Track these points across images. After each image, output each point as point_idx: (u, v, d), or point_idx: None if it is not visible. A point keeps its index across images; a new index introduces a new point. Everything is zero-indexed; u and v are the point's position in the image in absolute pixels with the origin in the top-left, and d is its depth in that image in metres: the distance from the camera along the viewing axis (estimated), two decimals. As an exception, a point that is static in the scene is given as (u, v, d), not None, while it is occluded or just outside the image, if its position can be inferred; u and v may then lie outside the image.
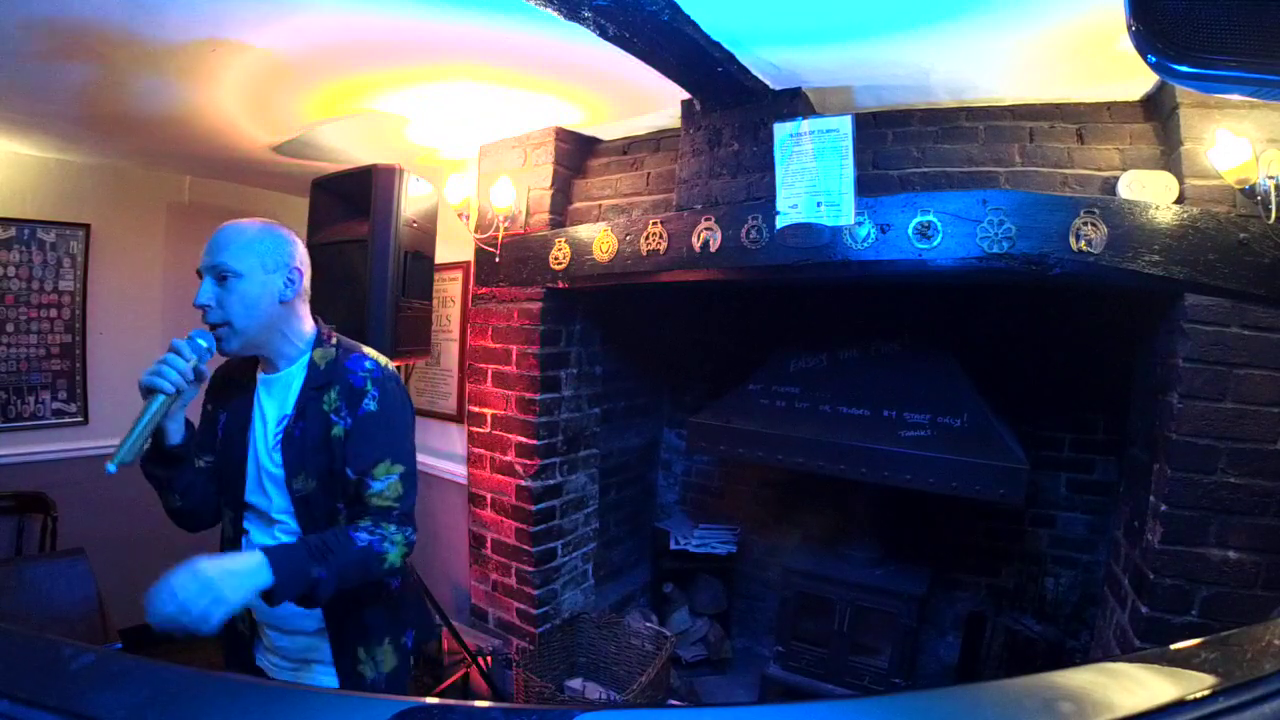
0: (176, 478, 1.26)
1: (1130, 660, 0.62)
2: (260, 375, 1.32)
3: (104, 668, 0.46)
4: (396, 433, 1.29)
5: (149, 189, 3.22)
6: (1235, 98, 1.57)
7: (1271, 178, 1.49)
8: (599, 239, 2.33)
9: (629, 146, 2.62)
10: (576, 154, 2.68)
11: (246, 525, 1.32)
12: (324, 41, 1.83)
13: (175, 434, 1.22)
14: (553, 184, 2.60)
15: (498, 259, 2.63)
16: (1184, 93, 1.66)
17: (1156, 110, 1.83)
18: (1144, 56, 0.53)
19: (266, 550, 1.10)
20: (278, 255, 1.25)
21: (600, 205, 2.61)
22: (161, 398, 1.11)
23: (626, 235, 2.28)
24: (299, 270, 1.28)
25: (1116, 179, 1.79)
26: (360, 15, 1.68)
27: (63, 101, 2.24)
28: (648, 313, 3.02)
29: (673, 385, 3.37)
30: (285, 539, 1.26)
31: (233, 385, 1.35)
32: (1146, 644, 1.65)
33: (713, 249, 2.10)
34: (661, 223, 2.21)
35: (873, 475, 2.23)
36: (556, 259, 2.45)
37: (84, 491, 2.99)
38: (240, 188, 3.53)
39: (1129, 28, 0.53)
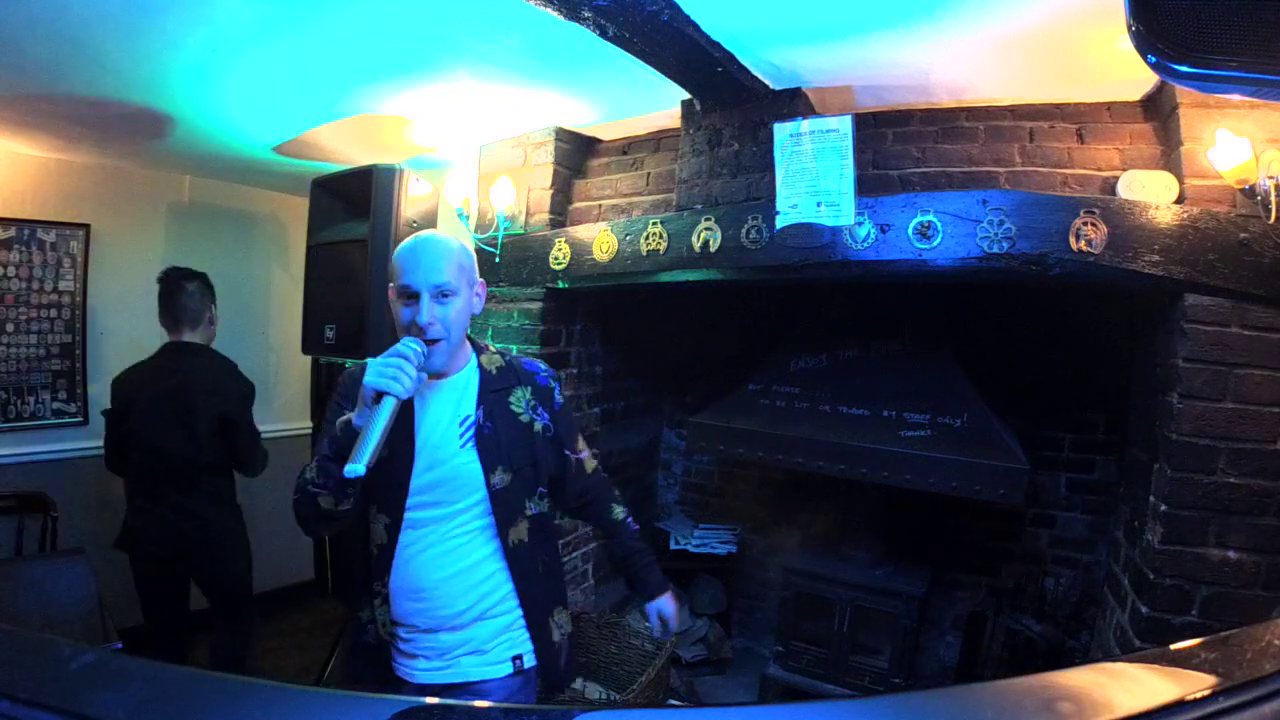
0: (345, 497, 1.23)
1: (1130, 660, 0.63)
2: (422, 378, 1.29)
3: (104, 668, 0.46)
4: (576, 418, 1.56)
5: (149, 189, 3.21)
6: (1235, 98, 1.57)
7: (1271, 178, 1.49)
8: (599, 239, 2.33)
9: (629, 146, 2.62)
10: (576, 154, 2.68)
11: (409, 525, 1.30)
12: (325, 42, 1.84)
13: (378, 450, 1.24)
14: (553, 184, 2.60)
15: (498, 259, 2.63)
16: (1184, 93, 1.66)
17: (1156, 110, 1.83)
18: (1144, 56, 0.53)
19: (651, 591, 1.52)
20: (474, 270, 1.37)
21: (600, 205, 2.61)
22: (394, 401, 1.10)
23: (626, 235, 2.28)
24: (483, 284, 1.40)
25: (1116, 179, 1.79)
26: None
27: (63, 101, 2.24)
28: (648, 313, 3.02)
29: (673, 385, 3.37)
30: (461, 533, 1.32)
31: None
32: (1146, 644, 1.65)
33: (713, 249, 2.10)
34: (661, 223, 2.21)
35: (873, 475, 2.23)
36: (556, 259, 2.45)
37: (84, 491, 2.99)
38: (240, 188, 3.52)
39: (1129, 28, 0.53)
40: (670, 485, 3.43)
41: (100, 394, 3.07)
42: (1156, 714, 0.41)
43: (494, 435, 1.32)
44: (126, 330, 3.17)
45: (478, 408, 1.33)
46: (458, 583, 1.31)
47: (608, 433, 2.97)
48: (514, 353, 1.50)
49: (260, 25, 1.74)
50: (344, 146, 2.79)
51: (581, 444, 1.52)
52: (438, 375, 1.33)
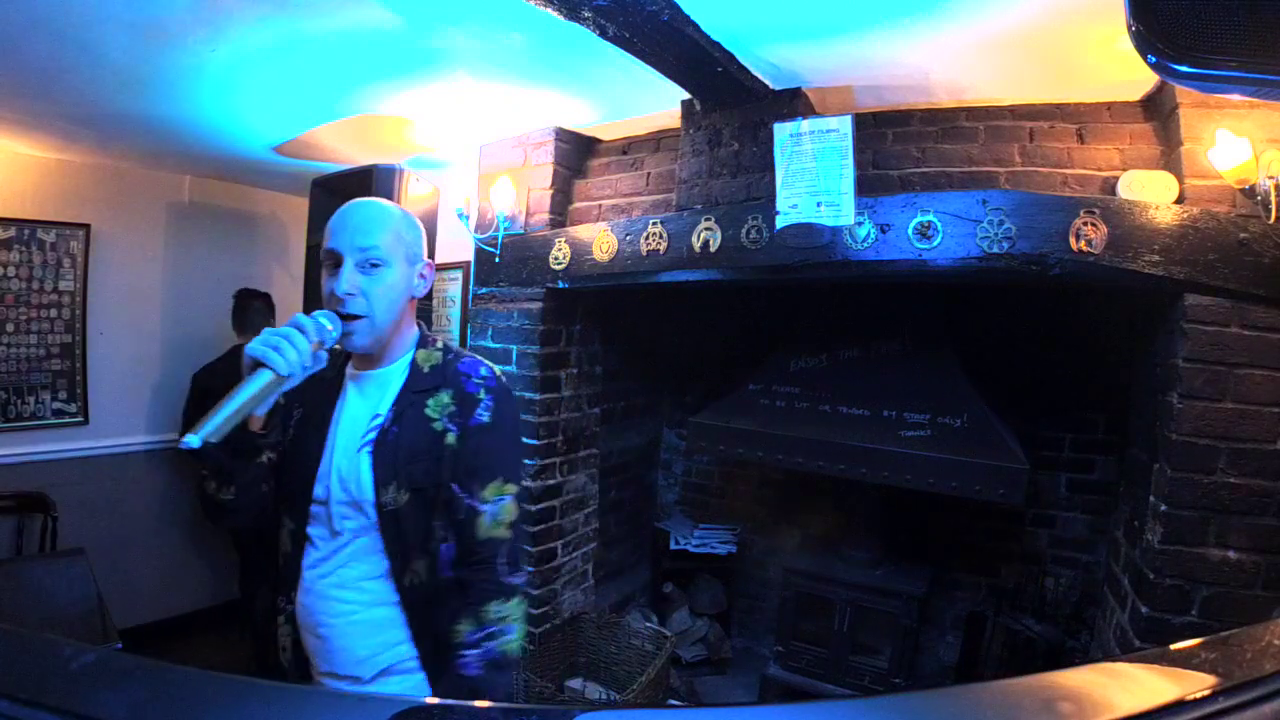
0: (242, 470, 1.06)
1: (1130, 660, 0.63)
2: (351, 370, 1.17)
3: (104, 668, 0.46)
4: (511, 449, 1.17)
5: (149, 189, 3.21)
6: (1235, 98, 1.57)
7: (1271, 178, 1.49)
8: (599, 239, 2.33)
9: (629, 146, 2.62)
10: (576, 154, 2.68)
11: (311, 544, 1.12)
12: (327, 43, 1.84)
13: (260, 424, 1.04)
14: (553, 184, 2.60)
15: (498, 259, 2.63)
16: (1184, 93, 1.66)
17: (1156, 110, 1.83)
18: (1144, 56, 0.53)
19: None
20: (418, 245, 1.15)
21: (600, 205, 2.61)
22: (269, 376, 0.94)
23: (626, 235, 2.28)
24: (431, 266, 1.19)
25: (1116, 179, 1.79)
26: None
27: (63, 101, 2.24)
28: (648, 313, 3.02)
29: (673, 385, 3.37)
30: (356, 558, 1.09)
31: (314, 379, 1.07)
32: (1146, 644, 1.65)
33: (713, 249, 2.10)
34: (661, 223, 2.21)
35: (873, 475, 2.23)
36: (556, 259, 2.45)
37: (84, 491, 2.99)
38: (240, 188, 3.53)
39: (1129, 28, 0.53)
40: (670, 485, 3.43)
41: (100, 394, 3.08)
42: (1156, 714, 0.41)
43: (395, 444, 1.08)
44: (126, 330, 3.17)
45: (391, 409, 1.11)
46: (353, 622, 1.08)
47: (608, 433, 2.97)
48: (476, 355, 1.23)
49: (260, 25, 1.74)
50: (344, 146, 2.79)
51: (492, 492, 1.11)
52: (366, 365, 1.15)
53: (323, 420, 1.14)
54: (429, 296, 2.55)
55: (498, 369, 1.21)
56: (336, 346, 1.08)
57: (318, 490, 1.10)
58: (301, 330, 0.98)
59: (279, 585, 1.16)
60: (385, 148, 2.76)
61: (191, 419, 2.52)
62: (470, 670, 1.04)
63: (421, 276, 1.16)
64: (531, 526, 2.61)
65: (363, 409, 1.14)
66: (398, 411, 1.11)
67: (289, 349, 0.95)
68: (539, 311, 2.56)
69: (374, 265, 1.07)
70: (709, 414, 2.65)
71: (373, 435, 1.10)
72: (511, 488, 1.14)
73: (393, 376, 1.15)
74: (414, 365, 1.15)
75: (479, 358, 1.21)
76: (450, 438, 1.11)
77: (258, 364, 0.94)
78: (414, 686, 1.09)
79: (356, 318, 1.06)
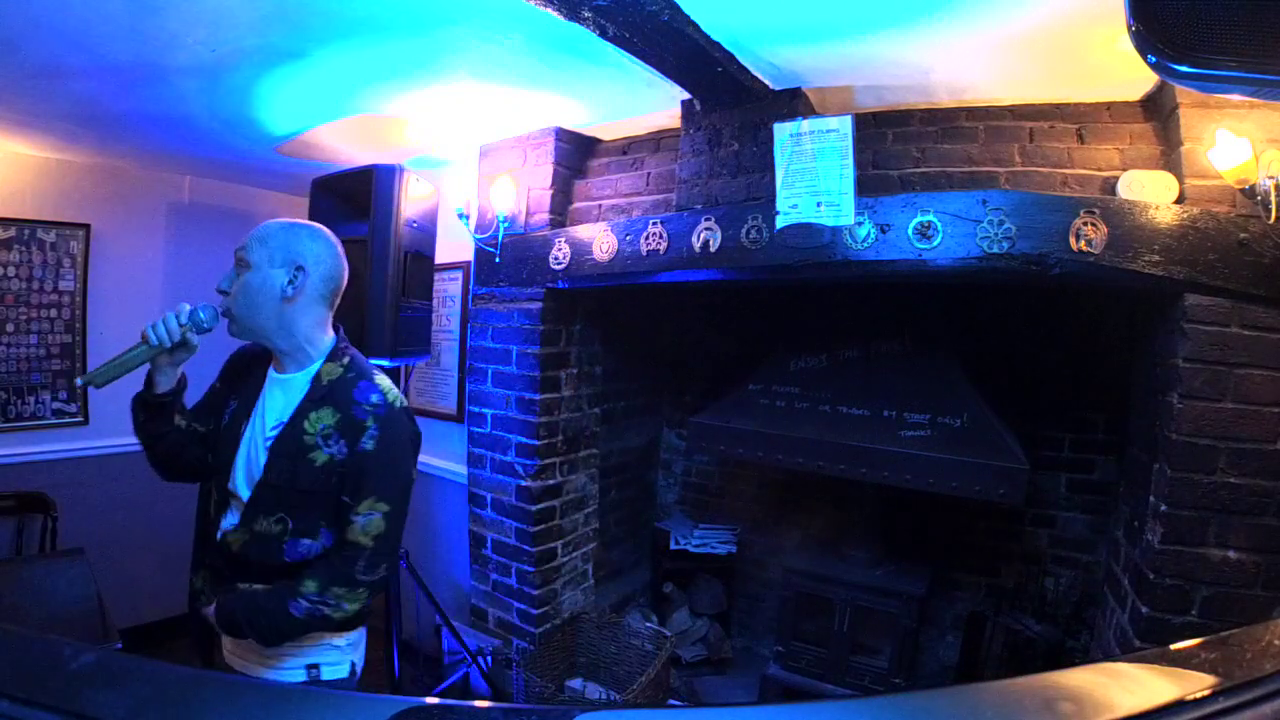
0: (149, 423, 1.35)
1: (1130, 660, 0.63)
2: (271, 372, 1.37)
3: (104, 668, 0.46)
4: (389, 473, 1.29)
5: (149, 189, 3.21)
6: (1235, 98, 1.57)
7: (1271, 178, 1.49)
8: (599, 239, 2.33)
9: (629, 146, 2.62)
10: (576, 154, 2.68)
11: (229, 508, 1.35)
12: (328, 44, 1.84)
13: (162, 385, 1.33)
14: (553, 184, 2.60)
15: (498, 259, 2.63)
16: (1184, 93, 1.66)
17: (1156, 110, 1.83)
18: (1144, 56, 0.53)
19: (223, 605, 1.26)
20: (286, 251, 1.29)
21: (600, 205, 2.61)
22: (141, 346, 1.27)
23: (626, 235, 2.28)
24: (305, 270, 1.29)
25: (1116, 179, 1.79)
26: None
27: (63, 101, 2.24)
28: (648, 313, 3.02)
29: (673, 385, 3.37)
30: (249, 533, 1.30)
31: (249, 375, 1.40)
32: (1146, 644, 1.65)
33: (713, 249, 2.10)
34: (661, 223, 2.21)
35: (873, 475, 2.23)
36: (556, 259, 2.45)
37: (84, 491, 2.99)
38: (240, 188, 3.52)
39: (1129, 28, 0.53)
40: (670, 485, 3.43)
41: (100, 394, 3.07)
42: (1156, 714, 0.41)
43: (279, 444, 1.28)
44: (127, 330, 3.17)
45: (290, 415, 1.29)
46: (239, 579, 1.31)
47: (608, 433, 2.97)
48: (376, 377, 1.33)
49: (260, 25, 1.74)
50: (344, 146, 2.79)
51: (365, 507, 1.25)
52: (281, 369, 1.35)
53: (247, 414, 1.35)
54: (429, 296, 2.54)
55: (392, 393, 1.32)
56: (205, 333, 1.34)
57: (233, 469, 1.33)
58: (176, 314, 1.27)
59: (204, 542, 1.41)
60: (385, 148, 2.76)
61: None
62: (295, 611, 1.23)
63: (291, 279, 1.29)
64: (531, 526, 2.61)
65: (274, 410, 1.33)
66: (293, 419, 1.29)
67: (160, 327, 1.26)
68: (539, 311, 2.56)
69: (237, 266, 1.32)
70: (709, 414, 2.65)
71: (272, 437, 1.30)
72: (384, 506, 1.27)
73: (297, 385, 1.33)
74: (316, 378, 1.32)
75: (376, 381, 1.32)
76: (319, 455, 1.26)
77: (144, 338, 1.26)
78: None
79: (226, 309, 1.32)
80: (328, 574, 1.26)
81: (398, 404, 1.32)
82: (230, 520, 1.33)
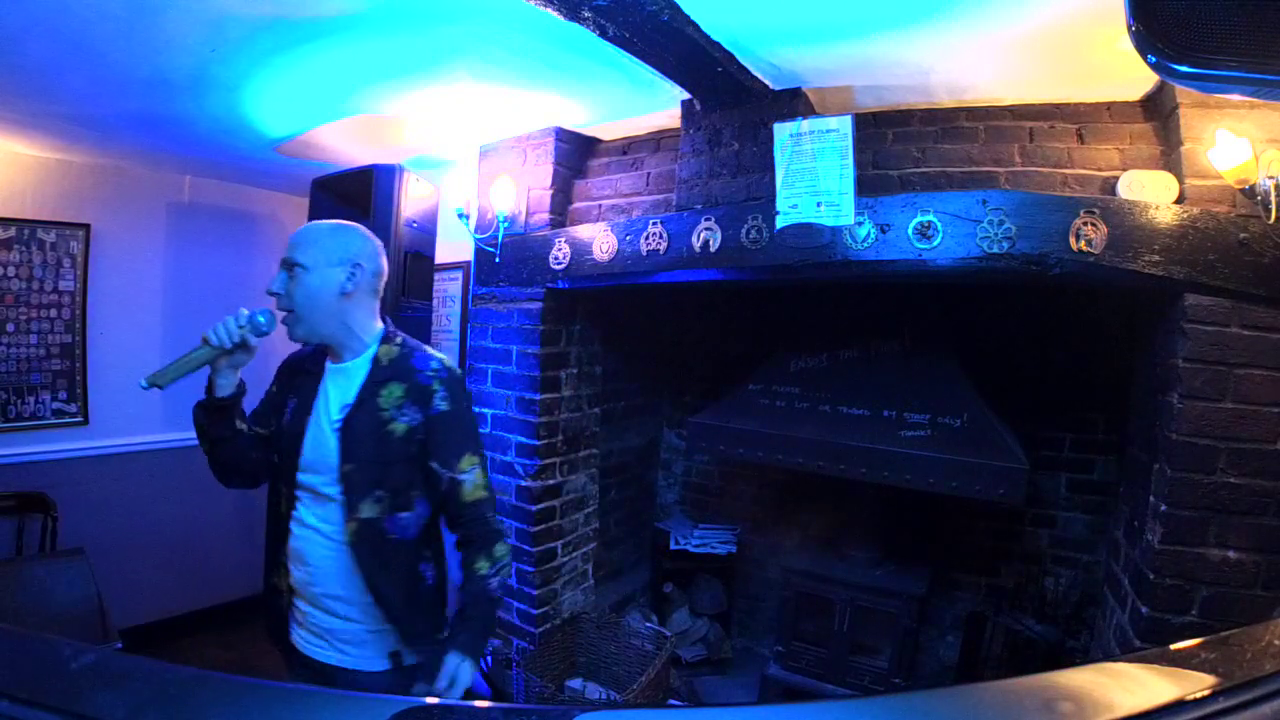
0: (211, 427, 1.37)
1: (1130, 660, 0.63)
2: (328, 364, 1.44)
3: (104, 668, 0.46)
4: (469, 427, 1.43)
5: (149, 189, 3.21)
6: (1235, 98, 1.57)
7: (1271, 178, 1.49)
8: (599, 239, 2.33)
9: (629, 146, 2.62)
10: (576, 154, 2.68)
11: (299, 500, 1.40)
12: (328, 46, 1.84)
13: (223, 389, 1.35)
14: (553, 184, 2.60)
15: (498, 259, 2.63)
16: (1184, 93, 1.66)
17: (1156, 110, 1.83)
18: (1144, 56, 0.53)
19: (459, 649, 1.30)
20: (341, 250, 1.37)
21: (600, 205, 2.61)
22: (205, 348, 1.29)
23: (626, 235, 2.28)
24: (361, 266, 1.38)
25: (1116, 179, 1.79)
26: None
27: (63, 101, 2.24)
28: (648, 313, 3.02)
29: (673, 385, 3.37)
30: (331, 516, 1.36)
31: (303, 373, 1.46)
32: (1146, 644, 1.65)
33: (713, 249, 2.10)
34: (661, 223, 2.21)
35: (873, 475, 2.23)
36: (556, 259, 2.45)
37: (84, 491, 2.99)
38: (240, 188, 3.52)
39: (1129, 28, 0.53)
40: (670, 485, 3.43)
41: (101, 394, 3.08)
42: (1156, 714, 0.41)
43: (354, 427, 1.35)
44: (127, 330, 3.17)
45: (355, 397, 1.37)
46: (332, 565, 1.36)
47: (608, 433, 2.97)
48: (428, 349, 1.45)
49: (260, 26, 1.74)
50: (344, 146, 2.79)
51: (466, 464, 1.38)
52: (337, 359, 1.42)
53: (308, 407, 1.41)
54: (429, 296, 2.55)
55: (448, 360, 1.45)
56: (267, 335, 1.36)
57: (302, 460, 1.38)
58: (236, 317, 1.30)
59: (277, 540, 1.43)
60: (385, 148, 2.76)
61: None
62: (494, 591, 1.37)
63: (350, 275, 1.37)
64: (531, 526, 2.61)
65: (336, 397, 1.39)
66: (359, 400, 1.37)
67: (222, 330, 1.29)
68: (539, 311, 2.55)
69: (292, 269, 1.35)
70: (709, 414, 2.65)
71: (339, 420, 1.36)
72: (475, 458, 1.40)
73: (357, 370, 1.40)
74: (375, 360, 1.40)
75: (430, 351, 1.45)
76: (398, 426, 1.35)
77: (204, 339, 1.29)
78: (379, 621, 1.37)
79: (287, 311, 1.36)
80: (482, 544, 1.38)
81: (455, 368, 1.45)
82: (308, 514, 1.38)
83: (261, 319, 1.33)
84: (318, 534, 1.37)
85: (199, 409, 1.37)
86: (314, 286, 1.34)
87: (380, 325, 1.45)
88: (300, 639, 1.43)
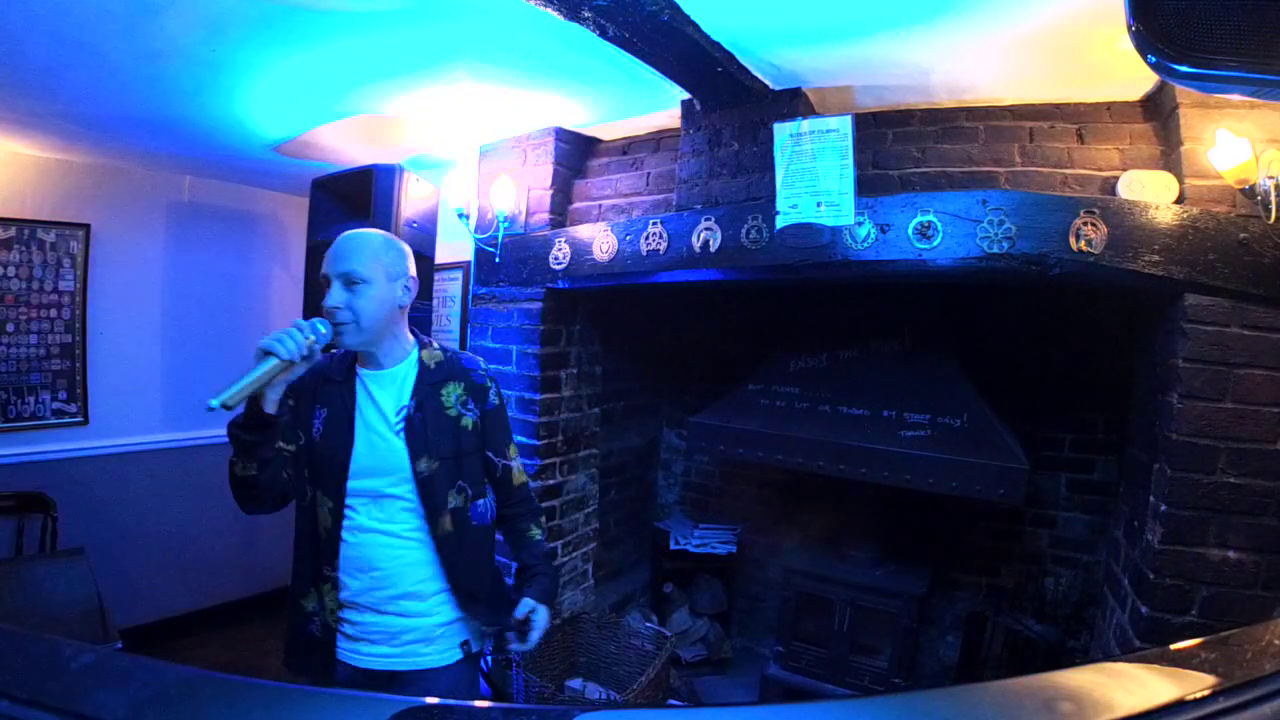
0: (260, 445, 1.29)
1: (1130, 660, 0.63)
2: (363, 371, 1.44)
3: (104, 668, 0.46)
4: (509, 421, 1.61)
5: (149, 189, 3.21)
6: (1235, 98, 1.57)
7: (1271, 178, 1.49)
8: (599, 239, 2.33)
9: (629, 146, 2.62)
10: (576, 154, 2.68)
11: (350, 508, 1.39)
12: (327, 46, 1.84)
13: (272, 404, 1.27)
14: (553, 184, 2.60)
15: (498, 259, 2.63)
16: (1184, 93, 1.66)
17: (1156, 110, 1.83)
18: (1144, 56, 0.53)
19: (534, 596, 1.47)
20: (398, 265, 1.41)
21: (600, 205, 2.61)
22: (274, 360, 1.20)
23: (626, 235, 2.28)
24: (414, 279, 1.44)
25: (1116, 179, 1.79)
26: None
27: (63, 101, 2.24)
28: (648, 313, 3.02)
29: (673, 385, 3.37)
30: (398, 516, 1.39)
31: (330, 383, 1.44)
32: (1146, 644, 1.65)
33: (713, 249, 2.10)
34: (661, 223, 2.21)
35: (873, 475, 2.23)
36: (556, 259, 2.45)
37: (84, 491, 2.99)
38: (240, 188, 3.52)
39: (1129, 28, 0.53)
40: (670, 485, 3.43)
41: (100, 394, 3.08)
42: (1156, 714, 0.41)
43: (423, 425, 1.40)
44: (126, 330, 3.17)
45: (412, 398, 1.41)
46: (401, 565, 1.38)
47: (608, 433, 2.97)
48: (456, 348, 1.58)
49: (260, 25, 1.74)
50: (344, 146, 2.79)
51: (513, 453, 1.57)
52: (376, 367, 1.43)
53: (347, 416, 1.40)
54: (429, 296, 2.55)
55: (483, 359, 1.58)
56: (333, 349, 1.37)
57: (355, 467, 1.38)
58: (300, 329, 1.25)
59: (321, 556, 1.39)
60: (385, 148, 2.76)
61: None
62: (546, 546, 1.60)
63: (406, 288, 1.42)
64: (531, 526, 2.61)
65: (388, 400, 1.42)
66: (418, 400, 1.41)
67: (289, 341, 1.22)
68: (539, 311, 2.55)
69: (353, 283, 1.34)
70: (709, 414, 2.65)
71: (402, 420, 1.40)
72: (516, 447, 1.60)
73: (403, 373, 1.44)
74: (421, 363, 1.46)
75: (472, 354, 1.57)
76: (466, 420, 1.46)
77: (267, 353, 1.20)
78: (454, 613, 1.44)
79: (343, 324, 1.34)
80: (530, 517, 1.60)
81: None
82: (367, 519, 1.38)
83: (323, 329, 1.29)
84: (385, 535, 1.38)
85: (243, 429, 1.25)
86: (379, 299, 1.36)
87: (411, 335, 1.49)
88: (354, 653, 1.40)
